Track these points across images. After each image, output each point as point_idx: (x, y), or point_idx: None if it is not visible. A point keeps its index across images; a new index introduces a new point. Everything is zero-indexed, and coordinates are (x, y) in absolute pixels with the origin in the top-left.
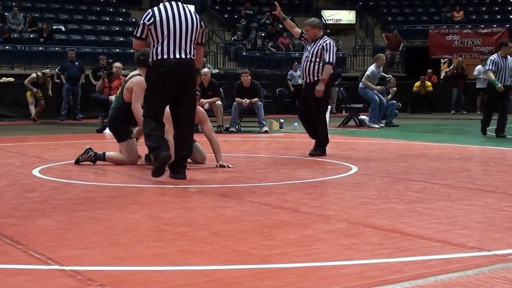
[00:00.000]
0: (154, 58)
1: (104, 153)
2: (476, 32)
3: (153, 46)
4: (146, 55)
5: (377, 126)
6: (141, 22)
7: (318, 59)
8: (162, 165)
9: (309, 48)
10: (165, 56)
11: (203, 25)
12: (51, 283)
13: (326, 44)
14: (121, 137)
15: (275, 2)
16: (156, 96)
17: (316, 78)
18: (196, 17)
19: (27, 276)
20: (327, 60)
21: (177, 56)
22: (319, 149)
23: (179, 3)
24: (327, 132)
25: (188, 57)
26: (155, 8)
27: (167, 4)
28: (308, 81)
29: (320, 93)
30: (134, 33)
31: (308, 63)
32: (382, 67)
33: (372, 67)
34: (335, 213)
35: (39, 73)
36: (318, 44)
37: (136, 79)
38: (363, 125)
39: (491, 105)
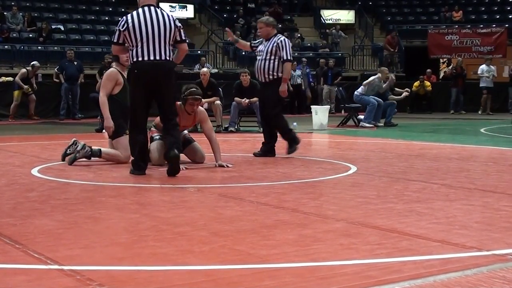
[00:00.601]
0: (131, 61)
1: (100, 149)
2: (475, 32)
3: (130, 50)
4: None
5: (370, 125)
6: (117, 28)
7: (273, 57)
8: (136, 174)
9: (262, 48)
10: (140, 59)
11: (178, 24)
12: (50, 282)
13: (281, 41)
14: (116, 133)
15: (227, 29)
16: (137, 98)
17: (271, 77)
18: (170, 19)
19: (26, 275)
20: (284, 58)
21: (151, 57)
22: (292, 144)
23: (152, 8)
24: (286, 124)
25: (163, 58)
26: (129, 15)
27: (140, 10)
28: (264, 80)
29: (284, 93)
30: (112, 40)
31: (263, 61)
32: (383, 81)
33: (375, 77)
34: (334, 213)
35: (28, 68)
36: (272, 42)
37: (107, 71)
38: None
39: None
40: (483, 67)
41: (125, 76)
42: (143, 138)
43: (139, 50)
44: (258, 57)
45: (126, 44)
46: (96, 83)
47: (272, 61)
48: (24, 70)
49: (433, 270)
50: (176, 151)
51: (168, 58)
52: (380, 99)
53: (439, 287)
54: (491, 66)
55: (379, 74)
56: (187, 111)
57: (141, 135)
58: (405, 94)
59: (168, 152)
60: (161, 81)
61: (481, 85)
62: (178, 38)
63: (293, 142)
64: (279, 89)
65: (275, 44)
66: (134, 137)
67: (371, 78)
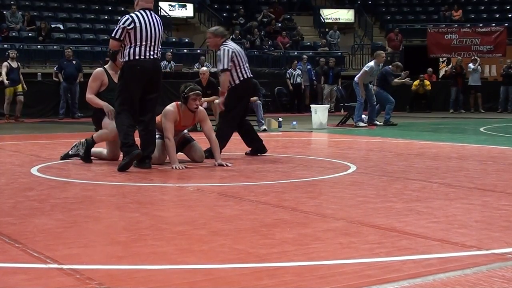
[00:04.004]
0: (131, 58)
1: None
2: (474, 31)
3: (130, 47)
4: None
5: (364, 125)
6: (121, 26)
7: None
8: (131, 161)
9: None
10: (142, 57)
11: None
12: (49, 281)
13: (220, 51)
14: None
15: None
16: (131, 93)
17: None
18: (161, 21)
19: (25, 275)
20: (220, 68)
21: (152, 56)
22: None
23: (151, 12)
24: (227, 139)
25: (158, 56)
26: (133, 15)
27: (142, 12)
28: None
29: (220, 106)
30: (113, 35)
31: (220, 73)
32: (381, 64)
33: (371, 64)
34: (334, 212)
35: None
36: (218, 54)
37: (93, 72)
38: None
39: None
40: (470, 64)
41: (112, 76)
42: (134, 126)
43: (142, 48)
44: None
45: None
46: None
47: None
48: (5, 63)
49: (432, 269)
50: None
51: (159, 56)
52: (373, 99)
53: (439, 286)
54: (478, 66)
55: (375, 60)
56: (190, 108)
57: (133, 124)
58: (404, 74)
59: (143, 165)
60: (157, 76)
61: (469, 83)
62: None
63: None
64: (217, 102)
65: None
66: (127, 123)
67: (368, 66)
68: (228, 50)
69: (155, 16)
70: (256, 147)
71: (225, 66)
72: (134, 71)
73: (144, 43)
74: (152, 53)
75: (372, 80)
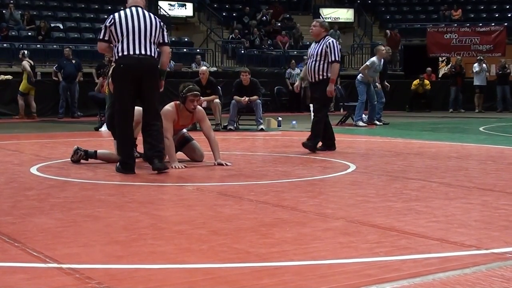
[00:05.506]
0: (116, 56)
1: (95, 151)
2: (474, 31)
3: (115, 46)
4: None
5: (364, 125)
6: (103, 25)
7: (322, 58)
8: (124, 173)
9: (312, 51)
10: (125, 53)
11: (162, 24)
12: (49, 281)
13: (329, 43)
14: None
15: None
16: (123, 92)
17: (320, 77)
18: (156, 18)
19: (25, 274)
20: (332, 59)
21: (137, 52)
22: (311, 142)
23: (139, 8)
24: (321, 132)
25: (148, 54)
26: (116, 13)
27: (127, 9)
28: (313, 80)
29: (331, 93)
30: (98, 36)
31: (314, 62)
32: (382, 60)
33: (373, 59)
34: (333, 211)
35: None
36: (322, 44)
37: None
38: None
39: None
40: (475, 65)
41: None
42: (132, 135)
43: (125, 44)
44: (310, 60)
45: (111, 44)
46: (96, 82)
47: (321, 63)
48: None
49: (432, 269)
50: (158, 162)
51: (153, 55)
52: (375, 97)
53: (438, 286)
54: (484, 65)
55: (377, 56)
56: (188, 109)
57: (130, 133)
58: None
59: (153, 164)
60: (145, 77)
61: (474, 84)
62: (161, 40)
63: (309, 147)
64: (327, 89)
65: (324, 46)
66: (123, 134)
67: (370, 61)
68: (338, 45)
69: (143, 12)
70: (328, 144)
71: (337, 58)
72: (119, 69)
73: (126, 38)
74: (138, 47)
75: (375, 78)
